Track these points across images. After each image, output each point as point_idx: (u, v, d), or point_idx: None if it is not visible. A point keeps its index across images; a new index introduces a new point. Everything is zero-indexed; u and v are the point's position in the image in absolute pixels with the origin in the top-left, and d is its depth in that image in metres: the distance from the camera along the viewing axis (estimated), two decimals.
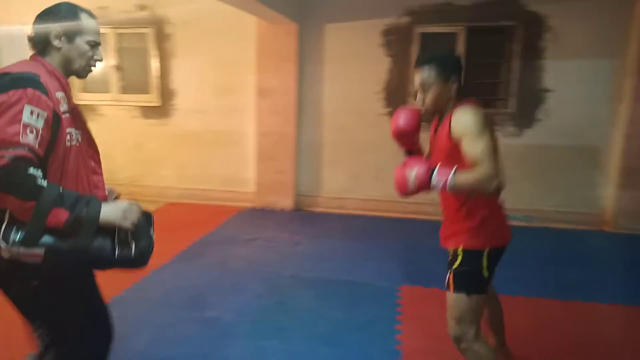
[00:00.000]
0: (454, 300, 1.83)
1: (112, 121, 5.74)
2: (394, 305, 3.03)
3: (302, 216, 5.22)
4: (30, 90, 1.29)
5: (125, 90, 5.69)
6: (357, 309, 2.97)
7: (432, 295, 3.17)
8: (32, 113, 1.28)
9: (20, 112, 1.26)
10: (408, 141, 2.05)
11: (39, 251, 1.26)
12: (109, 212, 1.35)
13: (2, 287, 1.46)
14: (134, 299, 3.03)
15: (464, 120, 1.70)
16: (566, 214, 4.84)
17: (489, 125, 1.70)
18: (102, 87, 5.68)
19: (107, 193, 1.64)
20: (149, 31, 5.47)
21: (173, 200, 5.62)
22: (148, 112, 5.68)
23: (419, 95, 1.85)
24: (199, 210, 5.32)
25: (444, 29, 4.82)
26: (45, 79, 1.38)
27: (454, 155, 1.73)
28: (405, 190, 1.73)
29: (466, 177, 1.62)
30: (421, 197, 5.38)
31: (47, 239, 1.27)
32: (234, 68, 5.35)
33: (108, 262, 1.38)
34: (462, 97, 1.83)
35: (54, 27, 1.46)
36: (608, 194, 4.72)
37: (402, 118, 1.98)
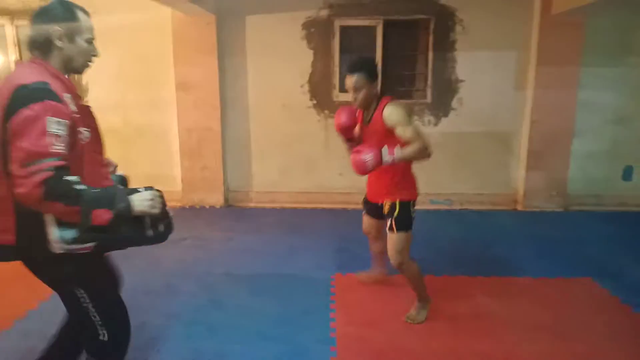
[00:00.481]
0: (397, 237, 2.55)
1: None
2: (328, 294, 3.09)
3: (233, 212, 5.14)
4: (48, 103, 1.36)
5: None
6: (291, 302, 2.99)
7: (364, 282, 3.28)
8: (56, 123, 1.36)
9: (45, 124, 1.33)
10: (349, 133, 2.63)
11: (90, 244, 1.49)
12: (139, 204, 1.51)
13: (46, 275, 1.63)
14: (51, 311, 2.81)
15: (394, 112, 2.36)
16: (483, 196, 5.21)
17: (411, 114, 2.38)
18: None
19: (110, 168, 1.85)
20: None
21: None
22: None
23: (352, 95, 2.46)
24: None
25: (363, 22, 4.94)
26: (52, 84, 1.42)
27: (389, 137, 2.37)
28: (365, 171, 2.31)
29: (408, 151, 2.26)
30: (348, 186, 5.51)
31: (95, 234, 1.46)
32: (152, 61, 5.09)
33: (142, 242, 1.63)
34: (382, 94, 2.52)
35: (55, 28, 1.50)
36: (519, 175, 5.14)
37: (344, 115, 2.55)
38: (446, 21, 4.88)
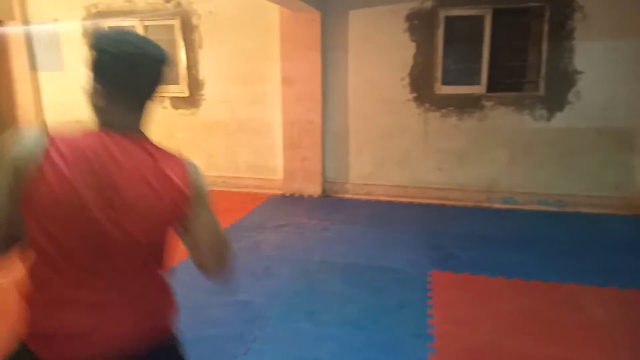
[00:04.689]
0: None
1: None
2: (425, 290, 3.07)
3: (330, 202, 5.28)
4: None
5: None
6: (386, 294, 3.02)
7: (463, 281, 3.20)
8: None
9: None
10: None
11: None
12: None
13: None
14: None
15: None
16: (598, 198, 4.75)
17: None
18: None
19: None
20: (175, 23, 5.57)
21: None
22: (177, 102, 5.81)
23: None
24: (229, 197, 5.45)
25: (470, 11, 4.74)
26: None
27: None
28: None
29: None
30: (447, 181, 5.41)
31: None
32: (258, 57, 5.40)
33: None
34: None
35: None
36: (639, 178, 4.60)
37: None
38: (563, 8, 4.49)
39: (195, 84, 5.70)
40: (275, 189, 5.57)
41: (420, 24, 4.89)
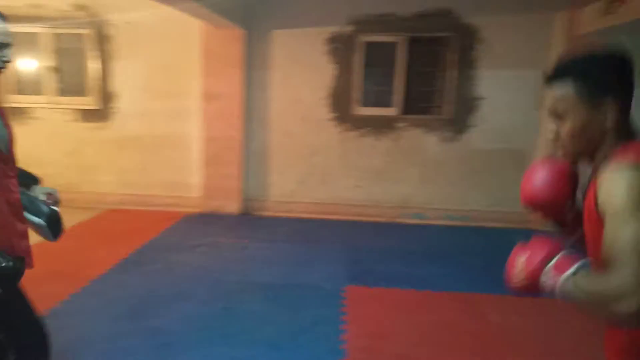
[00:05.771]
0: None
1: (47, 125, 5.46)
2: (339, 305, 3.12)
3: (250, 220, 5.22)
4: None
5: (62, 92, 5.43)
6: (303, 312, 3.03)
7: (376, 295, 3.30)
8: None
9: None
10: (546, 211, 1.31)
11: None
12: None
13: None
14: (72, 310, 2.91)
15: (615, 184, 0.94)
16: (499, 213, 5.17)
17: None
18: (36, 89, 5.39)
19: (44, 196, 1.71)
20: (87, 32, 5.26)
21: (113, 207, 5.42)
22: (87, 115, 5.45)
23: (553, 130, 1.12)
24: (141, 216, 5.18)
25: (386, 38, 5.02)
26: None
27: (601, 237, 0.97)
28: (509, 281, 1.20)
29: (588, 285, 0.94)
30: (364, 198, 5.61)
31: None
32: (178, 72, 5.26)
33: None
34: (631, 135, 1.05)
35: None
36: None
37: (538, 177, 1.28)
38: (469, 39, 4.92)
39: (106, 97, 5.39)
40: (192, 206, 5.39)
41: (340, 48, 5.08)
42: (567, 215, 1.27)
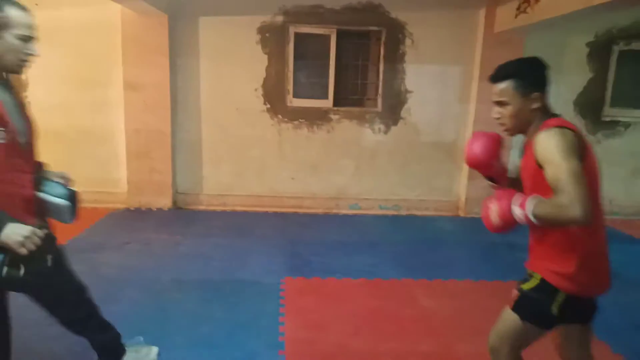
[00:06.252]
0: (507, 316, 1.69)
1: None
2: (278, 298, 3.11)
3: (182, 215, 5.03)
4: None
5: None
6: (241, 307, 2.98)
7: (314, 286, 3.34)
8: None
9: None
10: (485, 169, 1.83)
11: None
12: (8, 234, 1.43)
13: None
14: None
15: (547, 142, 1.47)
16: (428, 202, 5.43)
17: (578, 149, 1.46)
18: None
19: (59, 179, 1.78)
20: None
21: None
22: None
23: (495, 111, 1.66)
24: None
25: (317, 30, 5.03)
26: None
27: (541, 185, 1.48)
28: (491, 227, 1.67)
29: (544, 209, 1.42)
30: (300, 190, 5.61)
31: None
32: (98, 60, 4.91)
33: None
34: (549, 114, 1.61)
35: None
36: (461, 183, 5.40)
37: (477, 144, 1.78)
38: (397, 34, 5.06)
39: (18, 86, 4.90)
40: (117, 202, 5.09)
41: (271, 38, 5.01)
42: (497, 171, 1.83)
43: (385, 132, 5.26)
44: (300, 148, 5.24)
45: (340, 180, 5.33)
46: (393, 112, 5.23)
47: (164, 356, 2.41)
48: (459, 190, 5.44)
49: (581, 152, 1.46)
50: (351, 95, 5.26)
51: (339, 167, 5.30)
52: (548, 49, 5.04)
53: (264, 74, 5.08)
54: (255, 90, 5.10)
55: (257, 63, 5.05)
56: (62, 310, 1.89)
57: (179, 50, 4.97)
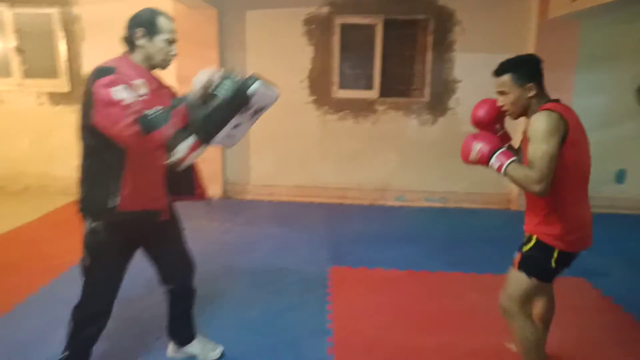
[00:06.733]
0: (514, 276, 2.01)
1: (14, 108, 5.27)
2: (324, 287, 3.15)
3: (231, 204, 5.18)
4: (109, 77, 1.66)
5: (29, 75, 5.22)
6: (287, 295, 3.04)
7: (360, 275, 3.35)
8: (122, 88, 1.66)
9: (109, 91, 1.64)
10: (485, 128, 2.14)
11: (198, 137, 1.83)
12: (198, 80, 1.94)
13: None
14: (48, 296, 2.84)
15: (534, 124, 1.79)
16: (476, 195, 5.28)
17: (561, 130, 1.75)
18: (2, 71, 5.18)
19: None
20: (53, 12, 5.03)
21: None
22: (57, 98, 5.27)
23: (499, 99, 2.01)
24: None
25: (363, 20, 4.98)
26: (124, 70, 1.74)
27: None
28: (467, 159, 2.00)
29: (516, 172, 1.80)
30: (345, 182, 5.58)
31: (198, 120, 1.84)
32: None
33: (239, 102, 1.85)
34: (546, 99, 1.91)
35: (136, 30, 1.84)
36: None
37: (481, 108, 2.14)
38: (445, 22, 4.94)
39: (77, 79, 5.21)
40: None
41: (317, 29, 5.02)
42: (501, 136, 2.15)
43: (433, 123, 5.16)
44: (344, 139, 5.24)
45: (385, 171, 5.28)
46: (440, 102, 5.12)
47: (214, 338, 2.50)
48: (510, 182, 5.24)
49: (564, 134, 1.75)
50: (397, 86, 5.19)
51: (384, 159, 5.25)
52: (605, 35, 4.76)
53: (309, 66, 5.11)
54: (301, 82, 5.14)
55: (302, 55, 5.08)
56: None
57: (227, 43, 5.08)
